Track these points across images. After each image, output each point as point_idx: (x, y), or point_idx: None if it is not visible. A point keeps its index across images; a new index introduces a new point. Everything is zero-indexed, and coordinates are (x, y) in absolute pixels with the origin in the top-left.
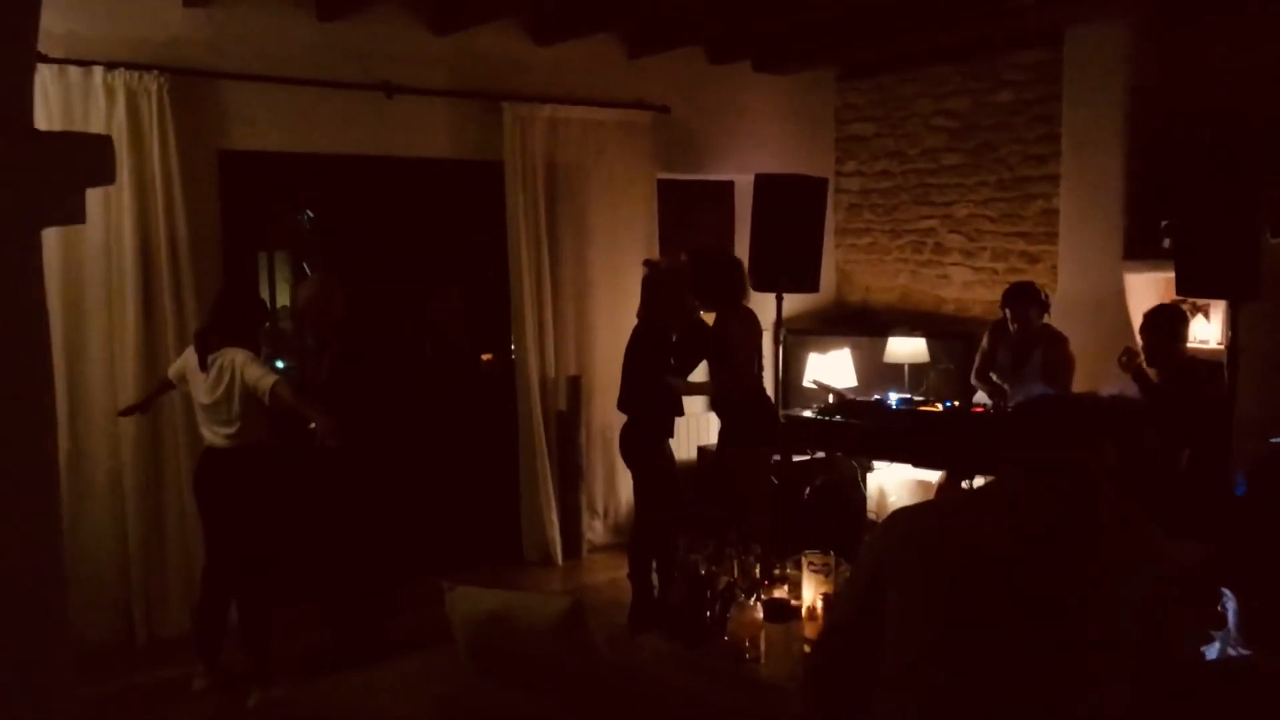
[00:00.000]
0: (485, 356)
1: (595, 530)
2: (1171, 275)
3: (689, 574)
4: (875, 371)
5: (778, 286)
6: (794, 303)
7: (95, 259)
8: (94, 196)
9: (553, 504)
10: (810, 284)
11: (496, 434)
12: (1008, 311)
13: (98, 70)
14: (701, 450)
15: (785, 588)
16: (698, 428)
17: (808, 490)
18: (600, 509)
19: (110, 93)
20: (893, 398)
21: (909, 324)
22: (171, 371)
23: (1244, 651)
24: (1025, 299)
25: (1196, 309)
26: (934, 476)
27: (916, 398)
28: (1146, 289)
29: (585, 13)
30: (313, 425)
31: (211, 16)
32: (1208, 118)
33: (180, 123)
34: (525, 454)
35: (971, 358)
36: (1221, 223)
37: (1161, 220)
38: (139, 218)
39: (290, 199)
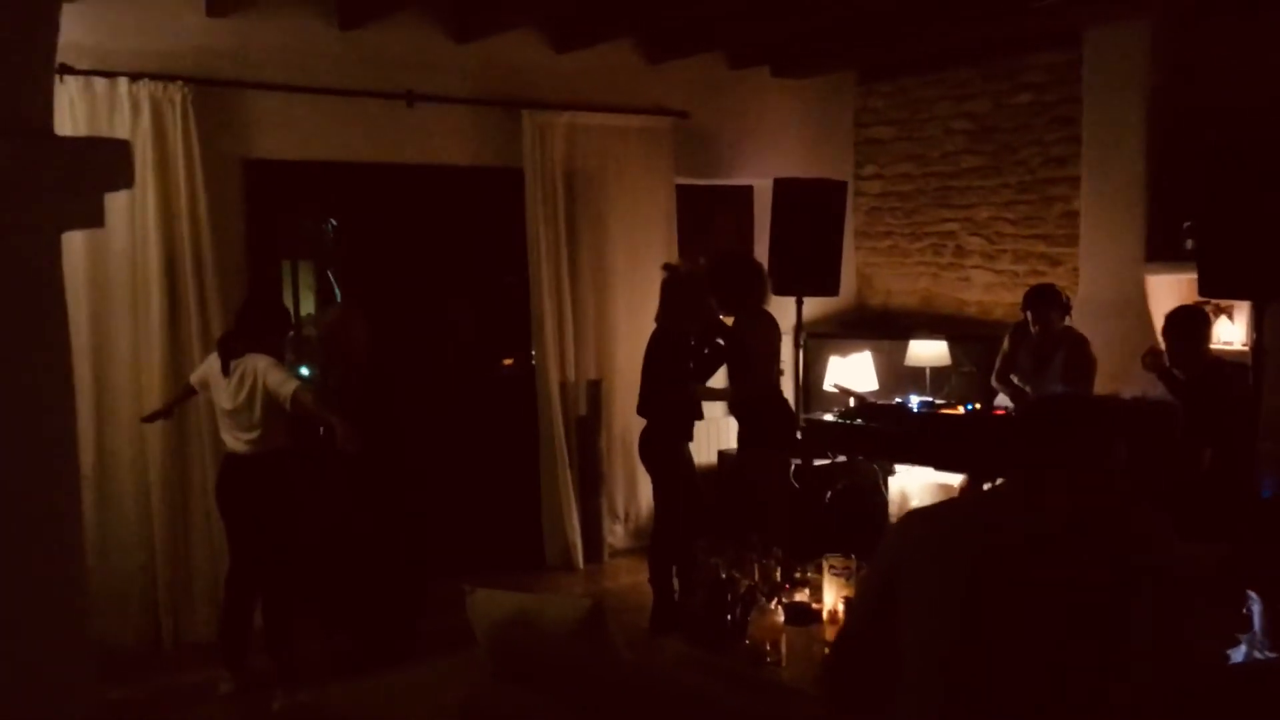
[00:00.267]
0: (506, 362)
1: (616, 534)
2: (1194, 276)
3: (709, 578)
4: (897, 375)
5: (798, 290)
6: (814, 306)
7: (121, 268)
8: (119, 206)
9: (574, 508)
10: (830, 288)
11: (517, 439)
12: (1029, 314)
13: (123, 81)
14: (722, 454)
15: (806, 591)
16: (718, 431)
17: (829, 494)
18: (621, 513)
19: (135, 103)
20: (914, 401)
21: (930, 327)
22: (194, 378)
23: (1270, 654)
24: (1046, 301)
25: (1220, 310)
26: (956, 480)
27: (938, 401)
28: (1169, 290)
29: (604, 20)
30: (331, 430)
31: (234, 27)
32: (1229, 118)
33: (204, 132)
34: (546, 459)
35: (993, 360)
36: (1244, 223)
37: (1183, 221)
38: (164, 226)
39: (313, 207)
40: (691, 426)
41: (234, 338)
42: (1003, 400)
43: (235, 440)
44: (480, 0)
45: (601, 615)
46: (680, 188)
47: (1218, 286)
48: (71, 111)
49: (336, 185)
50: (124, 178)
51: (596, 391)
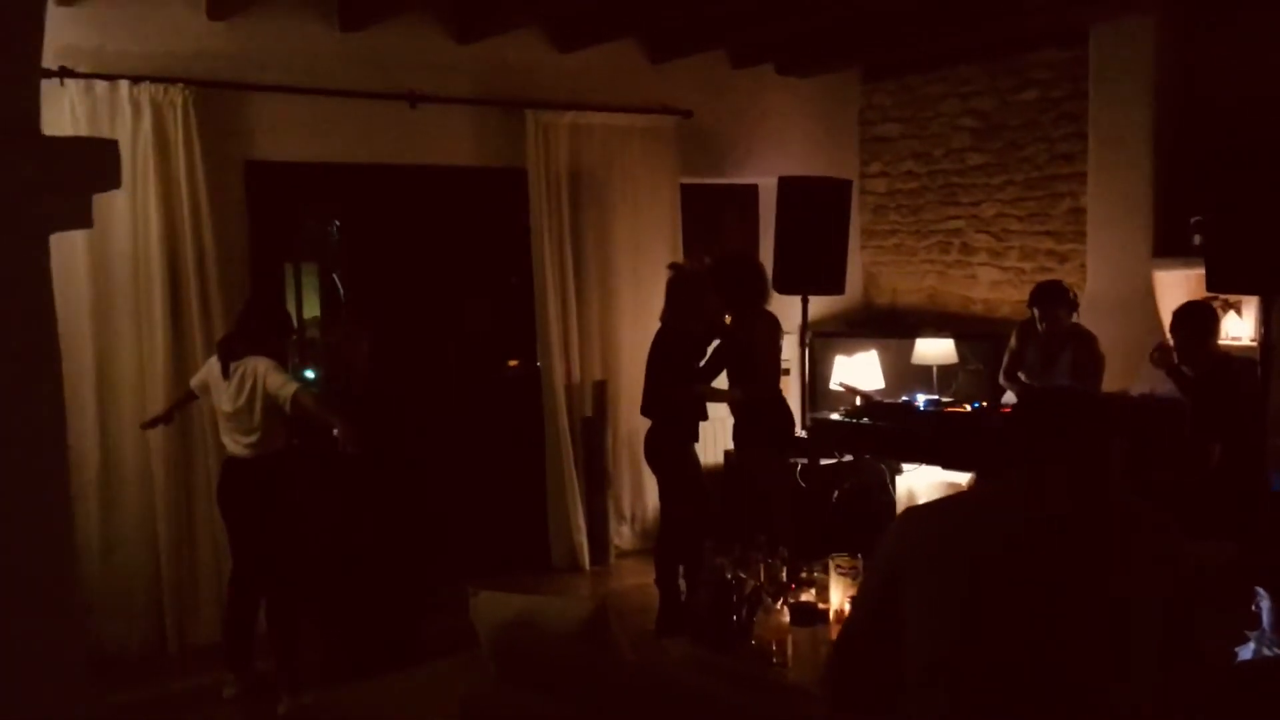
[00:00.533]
0: (511, 363)
1: (622, 535)
2: (1202, 272)
3: (715, 578)
4: (904, 373)
5: (803, 289)
6: (820, 305)
7: (123, 271)
8: (121, 209)
9: (580, 510)
10: (836, 286)
11: (523, 440)
12: (1036, 311)
13: (123, 84)
14: (727, 454)
15: (812, 591)
16: (724, 431)
17: (836, 493)
18: (627, 514)
19: (136, 106)
20: (920, 399)
21: (937, 325)
22: (194, 382)
23: None
24: (1054, 298)
25: (1229, 305)
26: (963, 479)
27: (944, 399)
28: (1176, 286)
29: (607, 19)
30: (335, 433)
31: (235, 29)
32: (1235, 113)
33: (206, 134)
34: (552, 460)
35: (1000, 358)
36: (1252, 218)
37: (1191, 217)
38: (166, 229)
39: (315, 209)
40: (697, 427)
41: (234, 340)
42: (1010, 398)
43: (235, 443)
44: (482, 0)
45: (605, 616)
46: (685, 187)
47: (1226, 282)
48: (73, 115)
49: (339, 187)
50: (111, 178)
51: (602, 392)
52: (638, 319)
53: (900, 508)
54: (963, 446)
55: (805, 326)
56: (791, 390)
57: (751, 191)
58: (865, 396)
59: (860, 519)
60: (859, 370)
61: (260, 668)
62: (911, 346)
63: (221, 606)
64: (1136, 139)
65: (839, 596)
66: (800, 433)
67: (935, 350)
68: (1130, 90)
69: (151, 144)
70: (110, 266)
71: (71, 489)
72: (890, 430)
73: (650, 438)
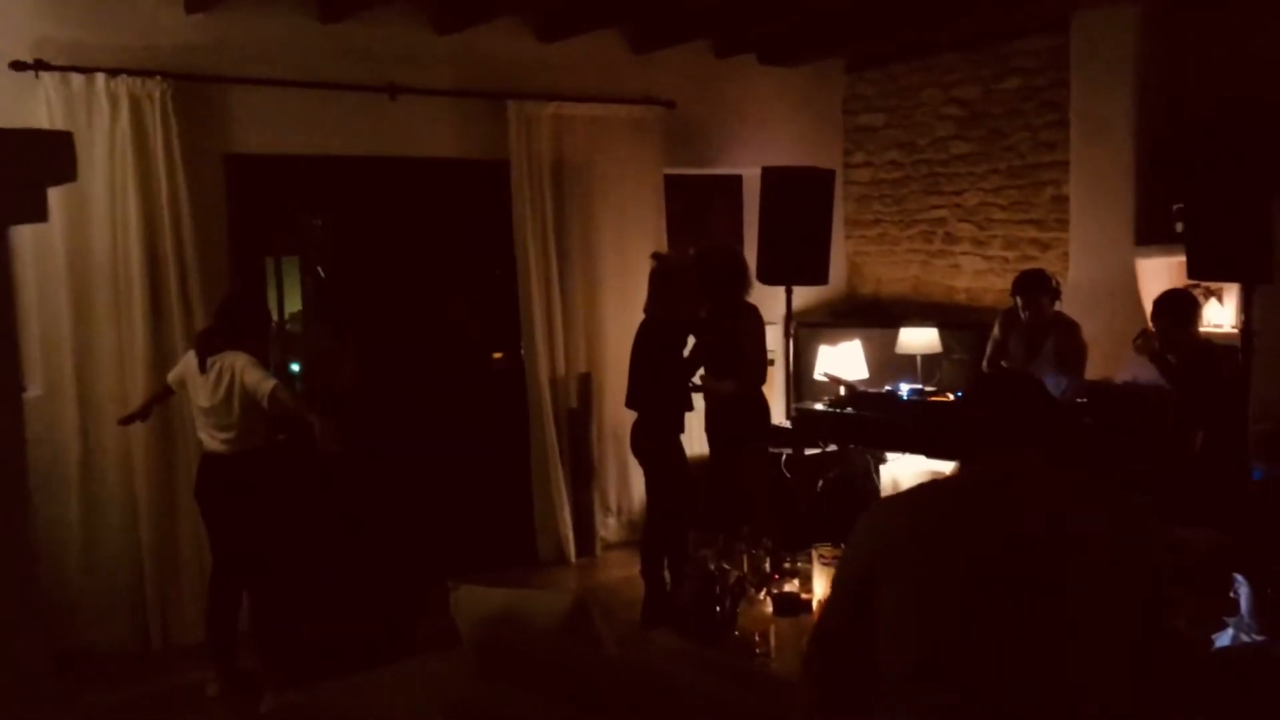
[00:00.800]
0: (496, 355)
1: (609, 528)
2: (1184, 260)
3: (699, 570)
4: (888, 363)
5: (787, 279)
6: (805, 296)
7: (102, 267)
8: (100, 203)
9: (565, 502)
10: (819, 276)
11: (508, 433)
12: (1019, 299)
13: (100, 77)
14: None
15: (796, 581)
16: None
17: (820, 483)
18: (613, 506)
19: (114, 99)
20: (903, 389)
21: (921, 315)
22: (171, 377)
23: (1257, 638)
24: (1036, 286)
25: (1211, 293)
26: (948, 467)
27: (927, 389)
28: (1159, 274)
29: (589, 9)
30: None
31: (213, 21)
32: (1218, 101)
33: (184, 128)
34: (537, 453)
35: (984, 347)
36: (1233, 206)
37: (1173, 205)
38: (145, 224)
39: (296, 202)
40: (682, 418)
41: (212, 334)
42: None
43: (212, 439)
44: None
45: (586, 609)
46: (669, 178)
47: (1206, 269)
48: (48, 108)
49: (319, 180)
50: (67, 171)
51: (587, 384)
52: (622, 311)
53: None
54: (946, 435)
55: (789, 317)
56: (776, 381)
57: (735, 182)
58: (849, 386)
59: (845, 508)
60: (843, 360)
61: (244, 665)
62: (895, 336)
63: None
64: (1119, 127)
65: (822, 586)
66: (784, 423)
67: (919, 340)
68: (1112, 78)
69: (129, 138)
70: (89, 262)
71: (52, 486)
72: (874, 420)
73: (636, 430)
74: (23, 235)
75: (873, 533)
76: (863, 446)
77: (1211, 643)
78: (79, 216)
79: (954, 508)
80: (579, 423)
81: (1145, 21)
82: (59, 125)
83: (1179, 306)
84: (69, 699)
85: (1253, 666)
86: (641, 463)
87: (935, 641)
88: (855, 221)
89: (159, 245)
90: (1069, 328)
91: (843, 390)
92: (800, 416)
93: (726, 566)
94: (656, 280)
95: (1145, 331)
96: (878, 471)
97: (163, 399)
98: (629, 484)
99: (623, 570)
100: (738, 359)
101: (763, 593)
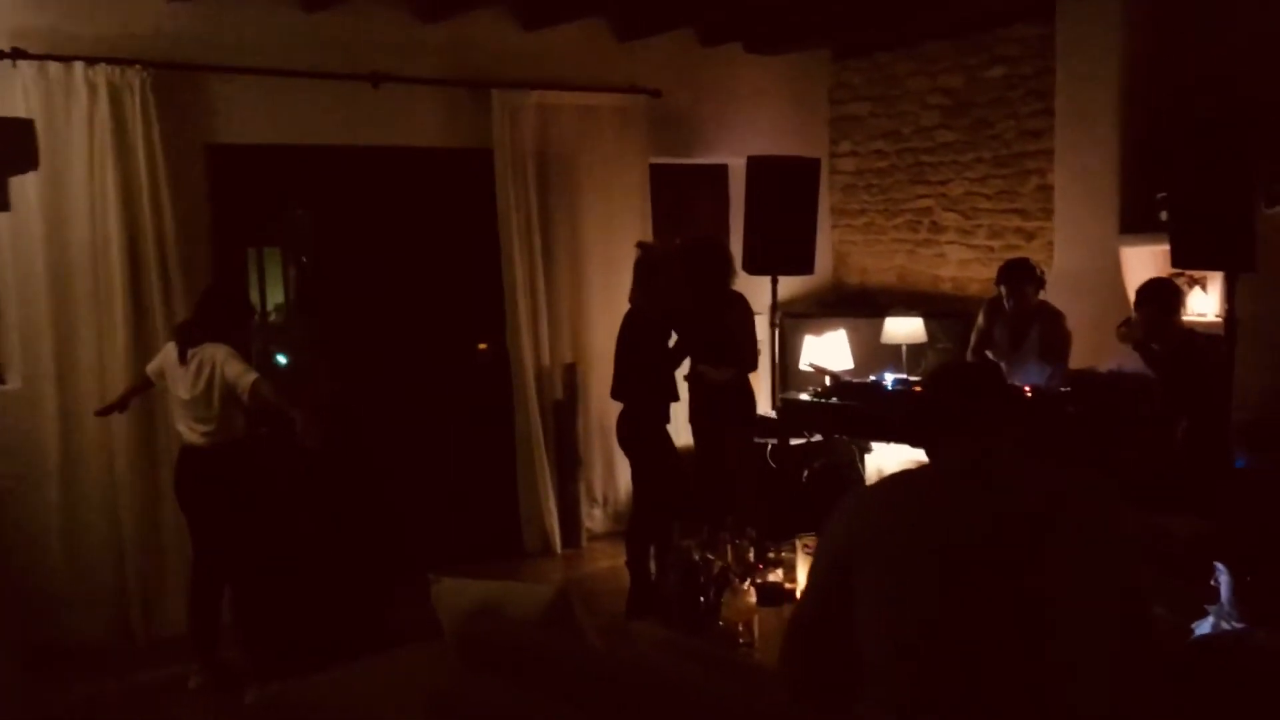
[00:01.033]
0: (481, 346)
1: (595, 519)
2: (1168, 248)
3: (683, 560)
4: (874, 353)
5: (773, 269)
6: (790, 285)
7: (82, 258)
8: (79, 194)
9: (551, 493)
10: (805, 266)
11: (493, 424)
12: (1003, 289)
13: (79, 66)
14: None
15: (780, 571)
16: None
17: (805, 473)
18: (599, 497)
19: (92, 88)
20: (888, 378)
21: (906, 304)
22: (150, 368)
23: (1238, 625)
24: (1020, 276)
25: (1195, 282)
26: None
27: (912, 378)
28: (1143, 263)
29: None
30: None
31: (194, 9)
32: (1202, 89)
33: (165, 117)
34: (522, 444)
35: (969, 336)
36: (1216, 194)
37: (1158, 193)
38: (125, 215)
39: (279, 192)
40: (669, 408)
41: (192, 326)
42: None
43: (191, 431)
44: None
45: (568, 601)
46: (654, 167)
47: (1190, 258)
48: (26, 97)
49: (303, 169)
50: (29, 159)
51: (572, 375)
52: (608, 301)
53: None
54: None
55: (775, 307)
56: (761, 371)
57: (721, 171)
58: (834, 376)
59: (830, 498)
60: (828, 350)
61: (226, 658)
62: (881, 326)
63: (188, 595)
64: (1104, 115)
65: (806, 576)
66: (769, 413)
67: (904, 329)
68: (1097, 67)
69: (109, 128)
70: (68, 253)
71: (32, 478)
72: (859, 409)
73: (622, 421)
74: (0, 227)
75: (845, 523)
76: (848, 436)
77: (1191, 630)
78: (58, 207)
79: (926, 496)
80: (564, 414)
81: (1130, 10)
82: (37, 114)
83: (1161, 295)
84: (51, 691)
85: (1232, 654)
86: (627, 453)
87: (912, 628)
88: (841, 211)
89: (139, 236)
90: (1053, 317)
91: (828, 380)
92: (785, 407)
93: (710, 557)
94: (641, 270)
95: (1129, 320)
96: (863, 461)
97: (141, 391)
98: (615, 475)
99: (608, 561)
100: (732, 347)
101: (747, 583)
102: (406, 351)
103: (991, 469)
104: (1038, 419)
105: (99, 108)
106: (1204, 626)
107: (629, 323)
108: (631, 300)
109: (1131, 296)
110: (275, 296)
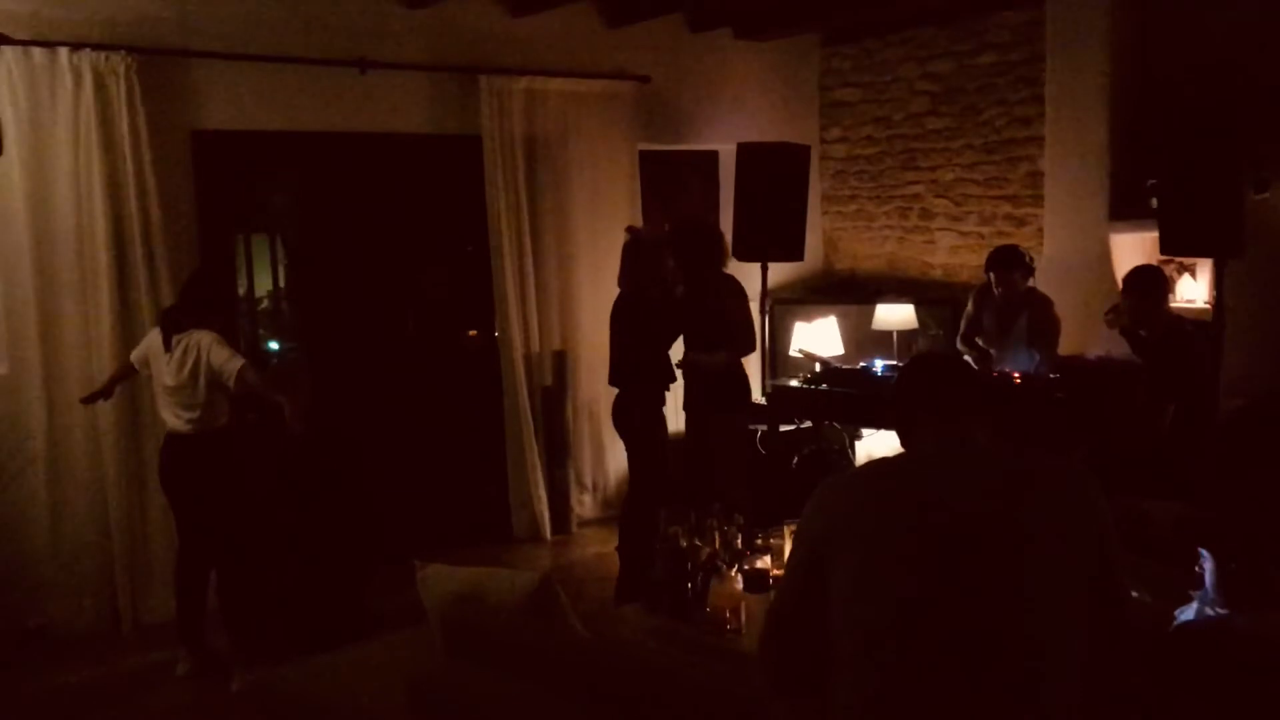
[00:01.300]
0: (471, 333)
1: (584, 505)
2: (1158, 235)
3: (669, 546)
4: (864, 339)
5: (763, 256)
6: (781, 272)
7: (68, 245)
8: (65, 181)
9: (540, 480)
10: (795, 253)
11: (482, 411)
12: (992, 276)
13: (63, 51)
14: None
15: (767, 558)
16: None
17: (795, 459)
18: (589, 483)
19: (77, 74)
20: (878, 365)
21: (896, 291)
22: (134, 355)
23: (1221, 611)
24: (1009, 262)
25: (1184, 268)
26: None
27: (901, 364)
28: (1133, 249)
29: None
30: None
31: None
32: (1192, 76)
33: (150, 103)
34: (512, 430)
35: (959, 323)
36: (1205, 181)
37: (1147, 180)
38: (111, 202)
39: (266, 179)
40: (663, 393)
41: (177, 312)
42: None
43: (176, 418)
44: None
45: (552, 587)
46: (643, 154)
47: (1179, 245)
48: (10, 83)
49: (289, 156)
50: None
51: (561, 361)
52: (597, 287)
53: None
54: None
55: (765, 293)
56: (752, 357)
57: (711, 158)
58: (823, 363)
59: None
60: (819, 337)
61: (213, 644)
62: (871, 312)
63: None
64: (1093, 102)
65: None
66: (760, 399)
67: (895, 316)
68: (1087, 53)
69: (94, 113)
70: (54, 240)
71: (18, 464)
72: (848, 396)
73: (618, 406)
74: None
75: (821, 513)
76: (838, 423)
77: (1174, 616)
78: (43, 194)
79: (900, 484)
80: (554, 400)
81: None
82: (21, 101)
83: (1148, 281)
84: (37, 677)
85: (1214, 640)
86: (623, 438)
87: (885, 616)
88: (831, 197)
89: (125, 223)
90: (1042, 304)
91: (817, 367)
92: (775, 393)
93: (698, 543)
94: (629, 254)
95: (1116, 306)
96: (853, 448)
97: (125, 378)
98: (604, 461)
99: (598, 547)
100: (723, 331)
101: (734, 569)
102: (395, 338)
103: (965, 456)
104: (1025, 405)
105: (84, 93)
106: (1187, 612)
107: (618, 309)
108: (620, 286)
109: (1121, 283)
110: (263, 282)
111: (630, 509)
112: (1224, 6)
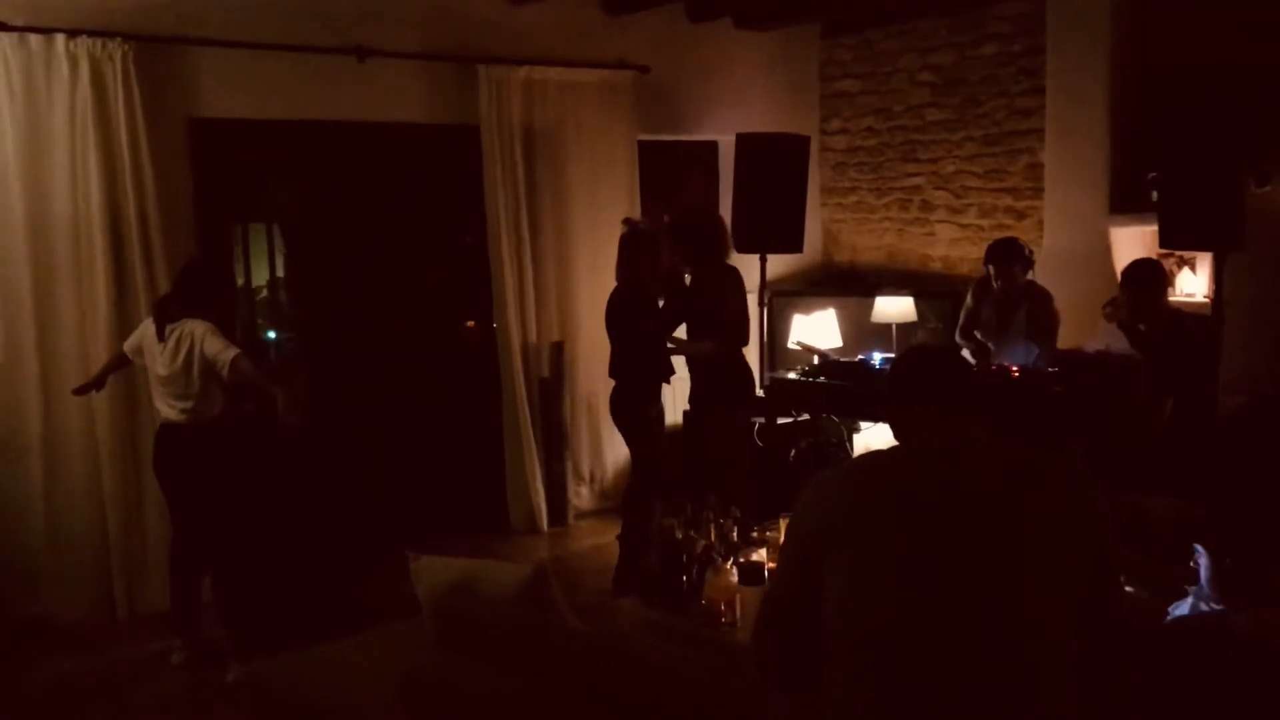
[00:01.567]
0: (469, 324)
1: (581, 496)
2: (1157, 228)
3: (665, 539)
4: (863, 332)
5: (762, 247)
6: (780, 263)
7: (64, 234)
8: (61, 169)
9: (538, 471)
10: (794, 244)
11: (480, 402)
12: (991, 269)
13: (60, 38)
14: (686, 414)
15: (763, 551)
16: (682, 391)
17: (793, 452)
18: (586, 475)
19: (73, 61)
20: (876, 358)
21: (896, 283)
22: (127, 345)
23: (1216, 607)
24: (1009, 255)
25: (1183, 262)
26: None
27: (894, 358)
28: (1133, 243)
29: None
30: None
31: None
32: (1193, 69)
33: (147, 91)
34: (509, 422)
35: (959, 316)
36: (1205, 174)
37: (1148, 173)
38: (107, 191)
39: (263, 167)
40: (661, 386)
41: (171, 301)
42: (966, 356)
43: (169, 408)
44: None
45: (545, 579)
46: (643, 144)
47: (1178, 238)
48: (6, 70)
49: (286, 144)
50: None
51: (559, 353)
52: (595, 278)
53: None
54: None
55: (764, 285)
56: (751, 349)
57: (711, 148)
58: (821, 355)
59: None
60: (817, 329)
61: (209, 635)
62: (871, 305)
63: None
64: (1094, 94)
65: None
66: (759, 392)
67: (894, 308)
68: (1088, 44)
69: (90, 101)
70: (50, 228)
71: (14, 453)
72: (846, 389)
73: (616, 397)
74: None
75: (815, 507)
76: (836, 415)
77: (1168, 613)
78: (39, 181)
79: (896, 480)
80: (551, 391)
81: None
82: (17, 88)
83: (1146, 275)
84: (33, 668)
85: (1208, 636)
86: (621, 430)
87: (879, 611)
88: (831, 189)
89: (122, 212)
90: (1041, 297)
91: (816, 359)
92: (773, 385)
93: (694, 535)
94: (626, 246)
95: (1114, 300)
96: (851, 441)
97: (118, 368)
98: (602, 453)
99: (595, 539)
100: (713, 320)
101: (730, 562)
102: (393, 329)
103: (959, 450)
104: (1024, 399)
105: (80, 81)
106: (1182, 608)
107: (615, 300)
108: (618, 278)
109: (1120, 277)
110: (260, 273)
111: (632, 499)
112: None
